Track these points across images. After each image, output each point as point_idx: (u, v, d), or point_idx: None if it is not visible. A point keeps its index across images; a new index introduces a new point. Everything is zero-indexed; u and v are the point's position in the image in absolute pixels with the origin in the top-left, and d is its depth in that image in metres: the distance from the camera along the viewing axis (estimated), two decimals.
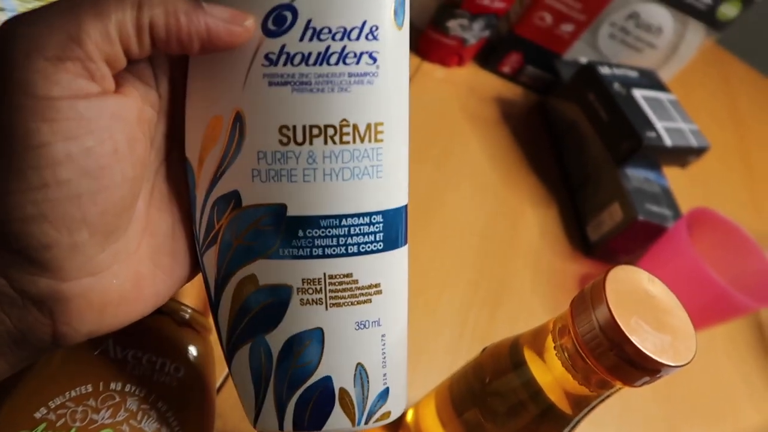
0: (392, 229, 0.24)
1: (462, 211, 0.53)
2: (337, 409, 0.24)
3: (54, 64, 0.16)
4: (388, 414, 0.25)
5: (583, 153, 0.60)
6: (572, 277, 0.54)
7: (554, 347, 0.26)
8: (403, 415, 0.36)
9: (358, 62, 0.21)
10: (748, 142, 0.88)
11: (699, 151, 0.58)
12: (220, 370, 0.34)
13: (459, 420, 0.30)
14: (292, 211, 0.22)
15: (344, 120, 0.21)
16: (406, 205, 0.24)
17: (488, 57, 0.69)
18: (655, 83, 0.62)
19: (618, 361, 0.23)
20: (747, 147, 0.87)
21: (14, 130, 0.16)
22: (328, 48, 0.21)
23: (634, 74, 0.61)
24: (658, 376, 0.23)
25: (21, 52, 0.16)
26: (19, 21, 0.16)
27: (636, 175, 0.55)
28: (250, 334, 0.23)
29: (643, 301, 0.24)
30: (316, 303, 0.23)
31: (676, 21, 0.65)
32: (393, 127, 0.23)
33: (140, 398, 0.25)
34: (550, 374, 0.27)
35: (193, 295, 0.31)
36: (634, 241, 0.53)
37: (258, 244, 0.22)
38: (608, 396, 0.26)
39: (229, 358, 0.24)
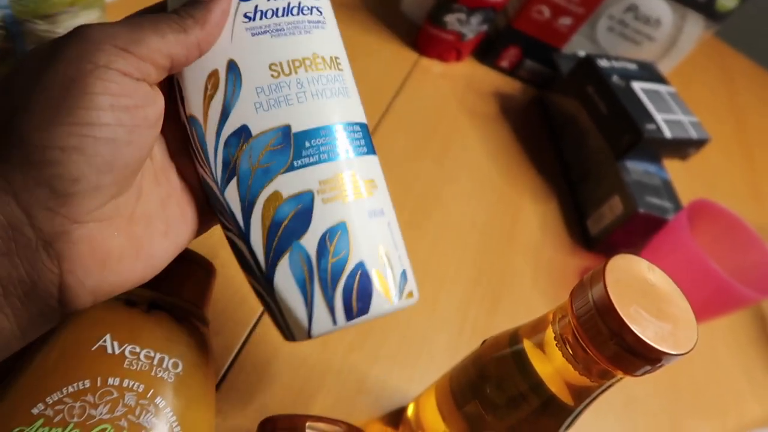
0: (368, 138, 0.29)
1: (461, 206, 0.52)
2: (377, 289, 0.27)
3: (118, 52, 0.21)
4: (411, 293, 0.28)
5: (582, 146, 0.60)
6: (573, 271, 0.53)
7: (554, 338, 0.26)
8: (404, 410, 0.36)
9: (311, 13, 0.28)
10: (748, 134, 0.88)
11: (699, 143, 0.58)
12: (219, 366, 0.34)
13: (459, 413, 0.30)
14: (295, 128, 0.26)
15: (314, 53, 0.27)
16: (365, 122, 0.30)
17: (486, 51, 0.68)
18: (655, 76, 0.62)
19: (618, 350, 0.23)
20: (747, 139, 0.87)
21: (75, 79, 0.20)
22: (289, 3, 0.27)
23: (633, 67, 0.61)
24: (658, 365, 0.23)
25: (98, 37, 0.21)
26: (103, 24, 0.22)
27: (636, 168, 0.55)
28: (286, 244, 0.26)
29: (643, 290, 0.24)
30: (336, 199, 0.27)
31: (674, 13, 0.65)
32: (344, 61, 0.29)
33: (138, 393, 0.25)
34: (551, 365, 0.27)
35: (192, 291, 0.31)
36: (635, 233, 0.53)
37: (274, 164, 0.26)
38: (609, 386, 0.26)
39: (270, 279, 0.26)
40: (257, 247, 0.26)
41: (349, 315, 0.26)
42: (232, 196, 0.26)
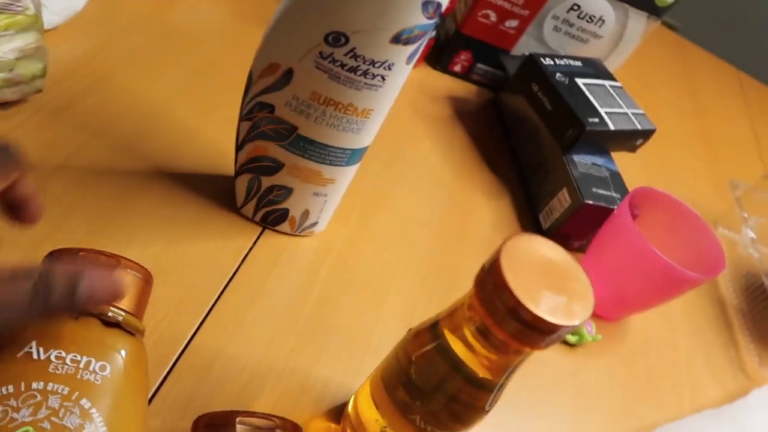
0: (355, 156, 0.39)
1: (413, 207, 0.53)
2: (286, 223, 0.43)
3: None
4: (312, 232, 0.45)
5: (532, 143, 0.61)
6: None
7: (465, 320, 0.27)
8: (344, 406, 0.37)
9: (372, 79, 0.34)
10: (706, 123, 0.89)
11: (645, 134, 0.59)
12: (159, 371, 0.34)
13: (390, 399, 0.31)
14: (300, 132, 0.37)
15: (351, 103, 0.35)
16: (368, 145, 0.39)
17: (439, 57, 0.70)
18: (600, 71, 0.63)
19: (518, 326, 0.24)
20: (707, 127, 0.88)
21: None
22: (358, 66, 0.33)
23: (577, 64, 0.62)
24: (556, 335, 0.24)
25: None
26: None
27: (584, 161, 0.57)
28: (252, 171, 0.40)
29: (541, 268, 0.25)
30: (295, 177, 0.39)
31: (616, 10, 0.66)
32: (380, 111, 0.36)
33: (63, 396, 0.26)
34: (467, 346, 0.27)
35: (128, 299, 0.31)
36: (585, 224, 0.54)
37: (276, 136, 0.38)
38: (522, 360, 0.27)
39: (236, 175, 0.42)
40: (240, 159, 0.40)
41: (263, 223, 0.43)
42: (243, 128, 0.39)
